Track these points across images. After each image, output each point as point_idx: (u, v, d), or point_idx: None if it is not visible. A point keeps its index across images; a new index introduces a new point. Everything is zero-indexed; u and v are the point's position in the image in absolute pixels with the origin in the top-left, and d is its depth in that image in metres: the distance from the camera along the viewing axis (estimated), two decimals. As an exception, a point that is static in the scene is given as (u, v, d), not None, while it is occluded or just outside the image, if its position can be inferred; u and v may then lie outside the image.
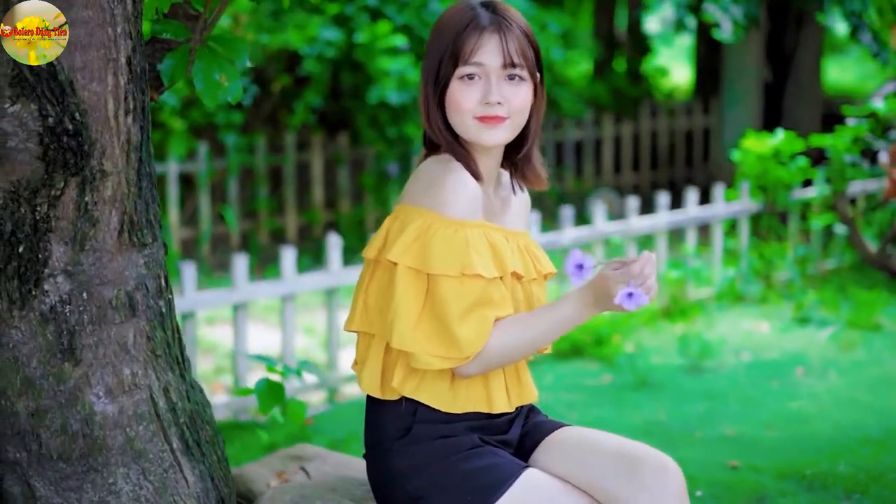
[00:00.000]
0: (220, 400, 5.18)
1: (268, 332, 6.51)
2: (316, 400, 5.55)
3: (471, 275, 2.30)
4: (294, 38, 8.28)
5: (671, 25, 9.96)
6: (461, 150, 2.41)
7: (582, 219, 7.67)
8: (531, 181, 2.56)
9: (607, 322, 6.09)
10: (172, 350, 2.65)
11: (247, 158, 8.80)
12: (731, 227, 7.48)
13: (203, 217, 8.51)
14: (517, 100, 2.41)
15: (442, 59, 2.38)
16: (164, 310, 2.62)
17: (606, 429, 4.84)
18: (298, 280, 5.33)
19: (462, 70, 2.37)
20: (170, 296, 2.67)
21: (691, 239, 7.05)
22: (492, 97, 2.37)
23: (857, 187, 7.52)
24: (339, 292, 5.51)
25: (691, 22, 10.25)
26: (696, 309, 6.66)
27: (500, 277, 2.37)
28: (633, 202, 6.77)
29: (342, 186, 9.15)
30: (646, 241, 7.07)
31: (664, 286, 6.79)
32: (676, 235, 7.42)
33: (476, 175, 2.40)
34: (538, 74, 2.47)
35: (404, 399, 2.40)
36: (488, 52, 2.37)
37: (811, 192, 7.34)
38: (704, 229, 7.95)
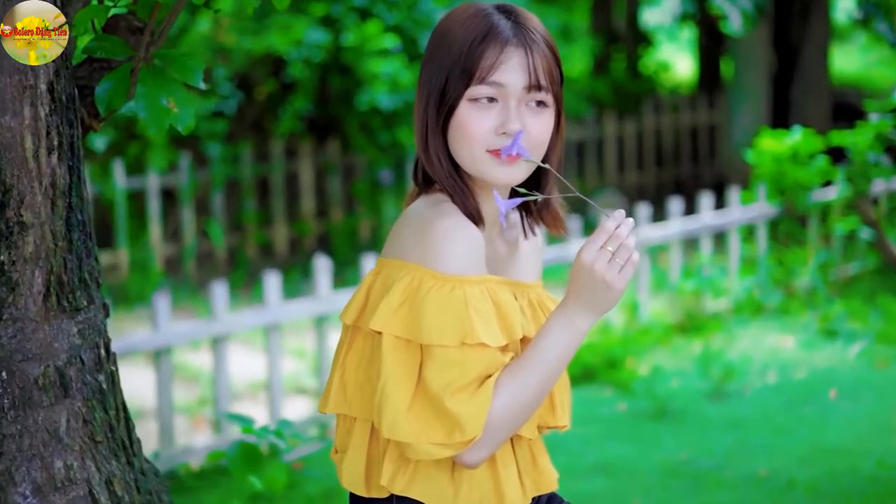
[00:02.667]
0: (201, 442, 4.73)
1: (253, 356, 6.05)
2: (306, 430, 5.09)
3: (473, 344, 1.85)
4: (279, 41, 7.82)
5: (675, 18, 9.51)
6: (461, 188, 1.95)
7: (589, 226, 7.22)
8: (549, 225, 2.11)
9: (619, 342, 5.65)
10: (117, 433, 2.20)
11: (232, 169, 8.34)
12: (748, 233, 7.03)
13: (187, 232, 8.05)
14: (538, 130, 1.95)
15: (450, 74, 1.92)
16: (104, 385, 2.18)
17: (628, 469, 4.47)
18: (284, 307, 4.87)
19: (476, 90, 1.90)
20: (112, 367, 2.22)
21: (706, 247, 6.60)
22: (511, 126, 1.90)
23: (880, 187, 7.06)
24: (330, 318, 5.06)
25: (695, 13, 9.80)
26: (713, 323, 6.21)
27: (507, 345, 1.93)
28: (643, 210, 6.32)
29: (333, 196, 8.69)
30: (658, 252, 6.63)
31: (678, 298, 6.34)
32: (690, 243, 6.96)
33: (477, 219, 1.95)
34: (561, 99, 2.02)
35: (395, 497, 1.95)
36: (510, 71, 1.91)
37: (832, 194, 6.89)
38: (719, 235, 7.49)
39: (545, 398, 1.94)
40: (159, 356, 4.58)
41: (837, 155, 7.43)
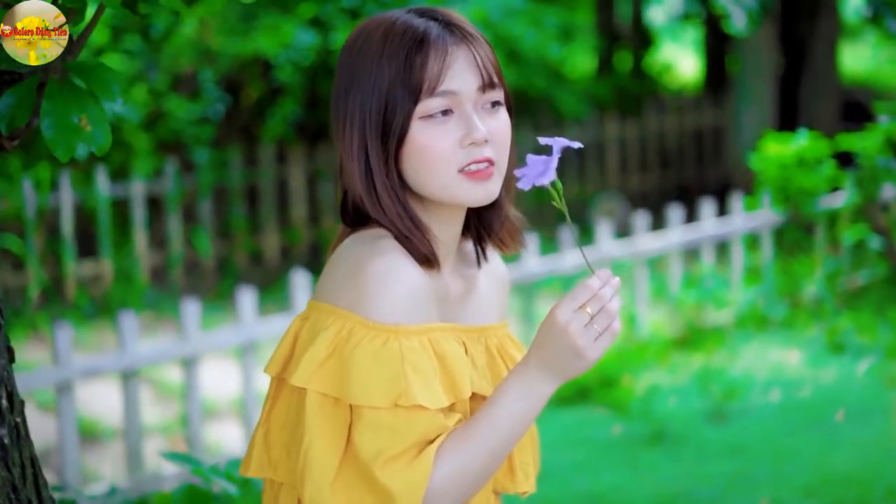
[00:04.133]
0: (172, 468, 4.46)
1: (227, 372, 5.77)
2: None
3: (408, 406, 1.59)
4: (266, 43, 7.57)
5: (678, 17, 9.23)
6: (416, 228, 1.69)
7: (587, 233, 6.95)
8: (506, 244, 1.84)
9: (615, 358, 5.38)
10: (22, 494, 1.94)
11: (220, 175, 8.08)
12: (752, 242, 6.75)
13: (173, 241, 7.79)
14: (502, 132, 1.71)
15: (389, 97, 1.65)
16: (6, 440, 1.92)
17: (621, 499, 4.20)
18: (260, 325, 4.61)
19: (427, 105, 1.64)
20: (17, 419, 1.96)
21: (708, 257, 6.32)
22: (477, 134, 1.66)
23: (890, 193, 6.77)
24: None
25: (699, 12, 9.53)
26: (715, 337, 5.93)
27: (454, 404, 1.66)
28: (641, 219, 6.05)
29: (325, 202, 8.43)
30: (658, 262, 6.36)
31: (678, 310, 6.07)
32: (691, 253, 6.67)
33: (429, 258, 1.69)
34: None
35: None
36: (459, 74, 1.66)
37: (840, 200, 6.60)
38: (722, 244, 7.21)
39: (501, 464, 1.68)
40: (126, 378, 4.33)
41: (846, 159, 7.14)
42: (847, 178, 6.35)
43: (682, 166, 10.90)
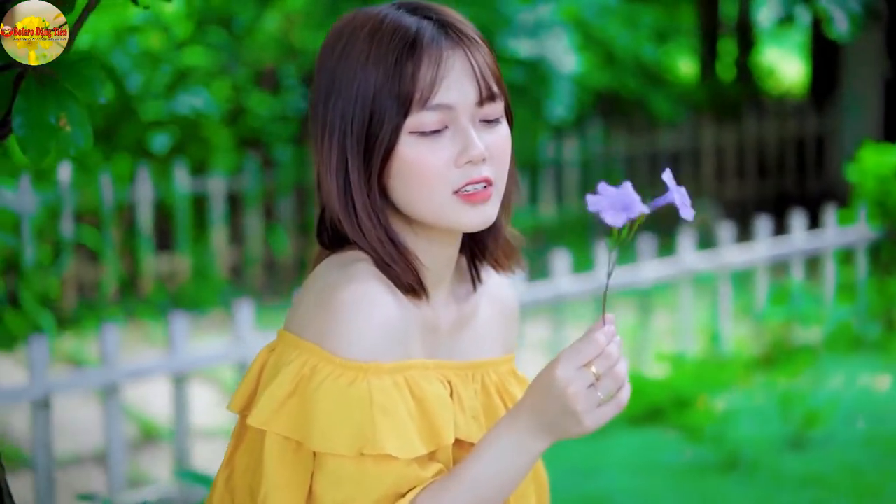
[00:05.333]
0: (153, 492, 4.15)
1: (217, 390, 5.57)
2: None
3: (375, 455, 1.39)
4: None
5: (780, 19, 8.86)
6: (399, 254, 1.49)
7: (669, 244, 6.66)
8: (503, 264, 1.65)
9: (693, 377, 5.10)
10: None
11: (300, 173, 7.96)
12: (846, 257, 6.40)
13: (252, 238, 7.69)
14: (501, 149, 1.52)
15: (374, 107, 1.46)
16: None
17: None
18: (257, 339, 4.28)
19: (419, 120, 1.45)
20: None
21: (798, 272, 6.00)
22: (474, 151, 1.46)
23: None
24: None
25: (803, 15, 9.12)
26: (801, 357, 5.61)
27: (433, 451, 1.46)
28: (726, 230, 5.75)
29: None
30: (743, 277, 6.05)
31: (763, 328, 5.77)
32: (780, 267, 6.34)
33: (413, 287, 1.49)
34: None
35: None
36: (455, 85, 1.46)
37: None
38: (813, 259, 6.86)
39: None
40: (177, 381, 4.18)
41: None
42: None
43: (781, 175, 10.50)
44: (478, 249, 1.61)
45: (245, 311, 4.23)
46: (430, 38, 1.46)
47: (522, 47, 7.46)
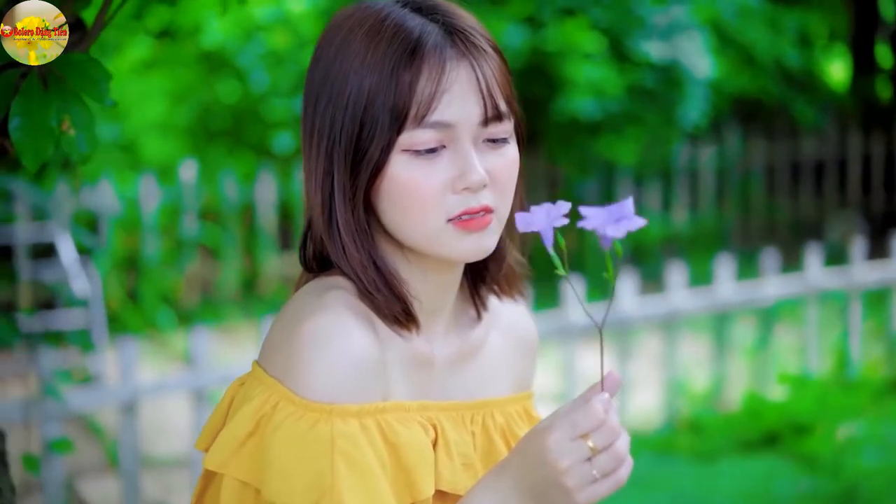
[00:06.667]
0: None
1: None
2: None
3: None
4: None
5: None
6: (385, 283, 1.33)
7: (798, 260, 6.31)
8: (505, 292, 1.48)
9: (815, 401, 4.80)
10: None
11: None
12: None
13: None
14: (506, 173, 1.34)
15: (365, 116, 1.30)
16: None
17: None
18: None
19: (413, 138, 1.29)
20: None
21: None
22: (473, 177, 1.29)
23: None
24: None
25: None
26: (939, 384, 5.25)
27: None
28: (858, 247, 5.41)
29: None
30: (877, 296, 5.69)
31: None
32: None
33: (398, 318, 1.33)
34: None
35: None
36: (457, 101, 1.29)
37: None
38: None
39: None
40: (198, 399, 3.91)
41: None
42: None
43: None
44: (478, 276, 1.44)
45: (200, 336, 4.00)
46: (433, 46, 1.30)
47: (655, 50, 7.21)
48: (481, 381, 1.43)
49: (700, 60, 7.29)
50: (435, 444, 1.33)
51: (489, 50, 1.33)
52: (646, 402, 5.03)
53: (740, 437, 4.69)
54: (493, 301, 1.48)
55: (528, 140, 7.10)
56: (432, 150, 1.30)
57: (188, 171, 6.77)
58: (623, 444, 1.21)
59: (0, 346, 4.44)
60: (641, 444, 4.55)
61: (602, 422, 1.20)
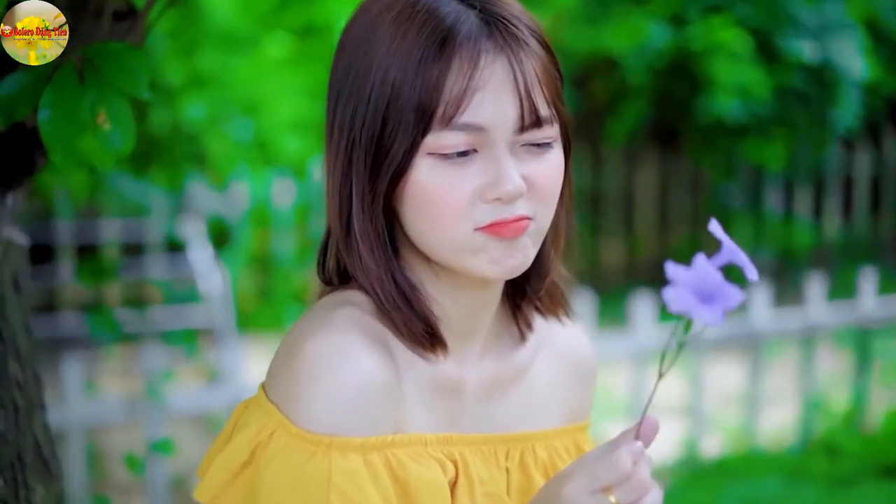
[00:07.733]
0: None
1: None
2: None
3: None
4: (618, 39, 6.99)
5: None
6: (392, 292, 1.19)
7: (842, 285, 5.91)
8: (549, 309, 1.32)
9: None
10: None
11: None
12: None
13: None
14: (548, 181, 1.18)
15: (388, 113, 1.15)
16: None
17: None
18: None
19: (441, 140, 1.14)
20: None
21: None
22: (507, 187, 1.14)
23: None
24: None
25: None
26: None
27: None
28: None
29: (675, 212, 7.82)
30: None
31: None
32: None
33: (420, 340, 1.18)
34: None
35: None
36: (491, 101, 1.14)
37: None
38: None
39: None
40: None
41: None
42: None
43: None
44: (518, 292, 1.28)
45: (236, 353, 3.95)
46: (467, 35, 1.14)
47: (806, 50, 6.86)
48: (525, 410, 1.27)
49: (854, 61, 6.92)
50: (455, 482, 1.18)
51: (532, 43, 1.16)
52: (778, 420, 4.76)
53: (880, 462, 4.40)
54: (542, 321, 1.32)
55: (670, 140, 6.76)
56: (463, 154, 1.14)
57: (321, 169, 6.75)
58: (653, 501, 1.04)
59: (116, 341, 4.45)
60: (771, 464, 4.31)
61: (628, 475, 1.03)
